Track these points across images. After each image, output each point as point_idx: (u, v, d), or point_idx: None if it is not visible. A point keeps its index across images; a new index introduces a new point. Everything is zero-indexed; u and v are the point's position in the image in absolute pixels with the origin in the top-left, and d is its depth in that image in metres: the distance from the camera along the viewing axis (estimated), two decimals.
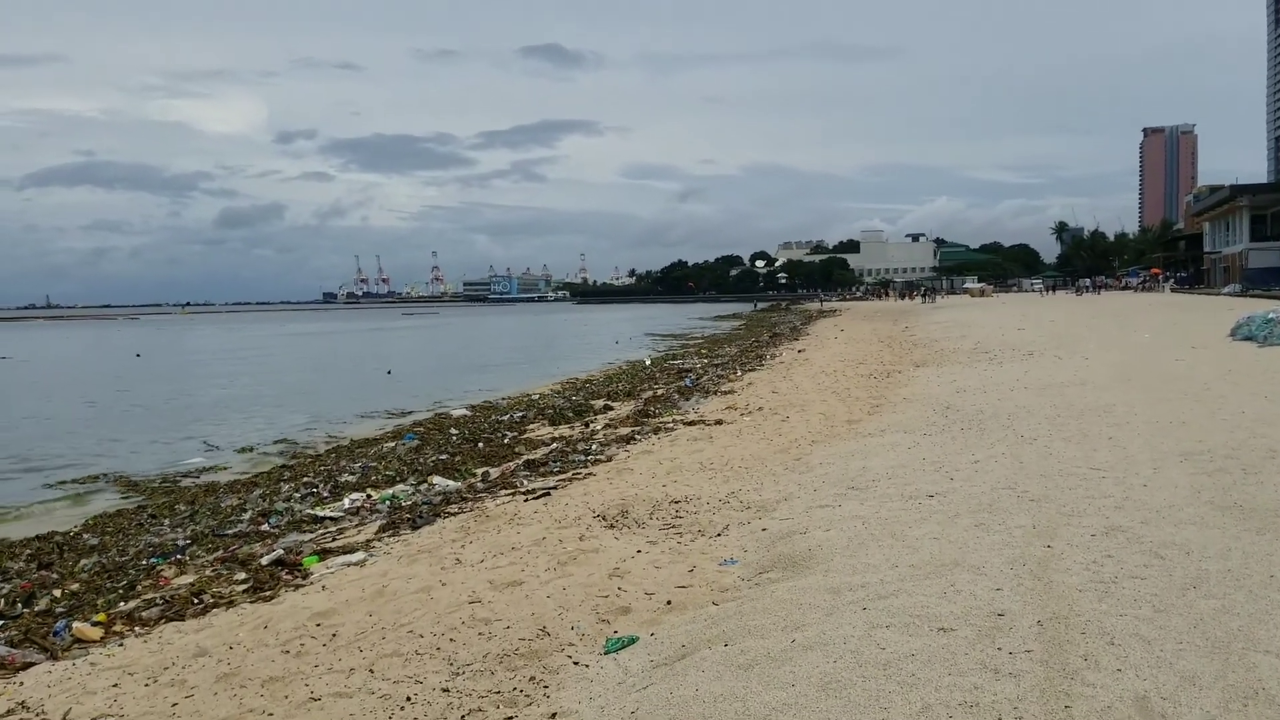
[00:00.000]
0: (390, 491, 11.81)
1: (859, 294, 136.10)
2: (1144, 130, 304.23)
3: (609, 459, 11.56)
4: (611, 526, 7.60)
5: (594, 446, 12.84)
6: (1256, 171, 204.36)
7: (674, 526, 7.41)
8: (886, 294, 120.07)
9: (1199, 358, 17.23)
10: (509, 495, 9.66)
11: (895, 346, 28.59)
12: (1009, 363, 19.23)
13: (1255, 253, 62.54)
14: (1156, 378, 14.35)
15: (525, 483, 10.36)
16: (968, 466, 8.40)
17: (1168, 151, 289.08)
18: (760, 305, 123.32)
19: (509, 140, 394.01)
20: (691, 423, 14.15)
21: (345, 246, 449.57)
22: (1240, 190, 67.85)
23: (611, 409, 19.51)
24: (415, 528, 8.36)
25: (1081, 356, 18.99)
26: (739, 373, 23.02)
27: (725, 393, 18.40)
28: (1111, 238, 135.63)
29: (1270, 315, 21.04)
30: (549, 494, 9.13)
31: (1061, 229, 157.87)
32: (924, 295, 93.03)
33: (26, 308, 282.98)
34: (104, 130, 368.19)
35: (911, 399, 14.37)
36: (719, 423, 13.81)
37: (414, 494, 11.56)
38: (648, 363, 33.44)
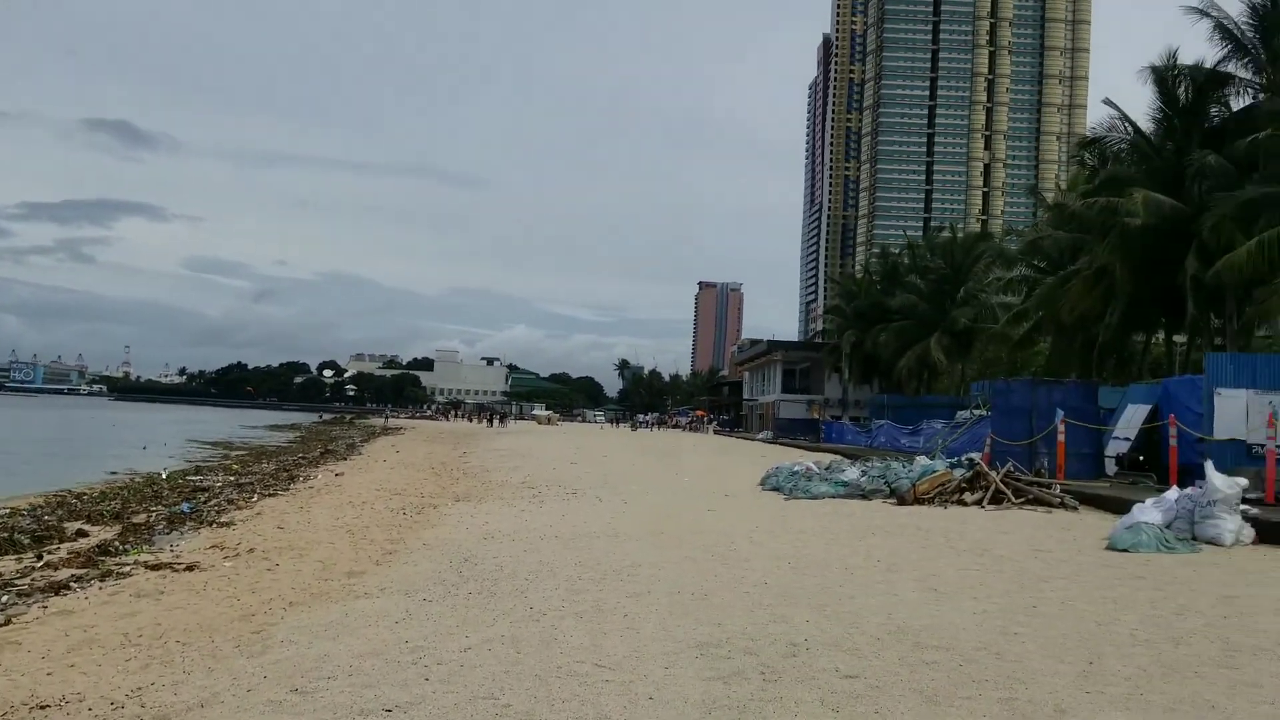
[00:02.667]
0: None
1: (429, 412, 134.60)
2: (699, 284, 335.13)
3: (6, 622, 8.61)
4: None
5: (3, 599, 9.74)
6: (792, 329, 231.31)
7: None
8: (456, 414, 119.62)
9: (730, 508, 17.12)
10: None
11: (445, 474, 27.02)
12: (551, 501, 18.20)
13: (785, 404, 68.97)
14: (688, 530, 13.74)
15: None
16: (455, 656, 6.69)
17: (719, 305, 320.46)
18: (325, 417, 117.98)
19: (57, 215, 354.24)
20: (157, 566, 11.38)
21: None
22: (775, 345, 75.20)
23: (86, 535, 15.97)
24: None
25: (621, 500, 18.37)
26: (255, 497, 20.14)
27: (224, 524, 15.61)
28: (667, 378, 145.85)
29: (796, 468, 21.92)
30: None
31: (624, 366, 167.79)
32: (490, 419, 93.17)
33: None
34: None
35: (432, 545, 12.64)
36: (191, 568, 11.19)
37: None
38: (164, 475, 29.19)
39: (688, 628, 7.43)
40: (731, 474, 27.11)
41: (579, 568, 10.39)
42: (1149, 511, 12.07)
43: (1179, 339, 38.10)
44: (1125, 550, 11.29)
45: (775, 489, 20.72)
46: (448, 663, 6.51)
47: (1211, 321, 33.74)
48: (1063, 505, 16.25)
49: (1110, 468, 23.46)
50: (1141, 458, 22.94)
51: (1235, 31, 31.05)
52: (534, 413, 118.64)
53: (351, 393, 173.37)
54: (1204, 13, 30.74)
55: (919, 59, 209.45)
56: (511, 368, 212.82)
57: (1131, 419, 24.44)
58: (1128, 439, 24.00)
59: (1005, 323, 47.28)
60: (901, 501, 17.16)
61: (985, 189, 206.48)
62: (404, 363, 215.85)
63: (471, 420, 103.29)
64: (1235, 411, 19.86)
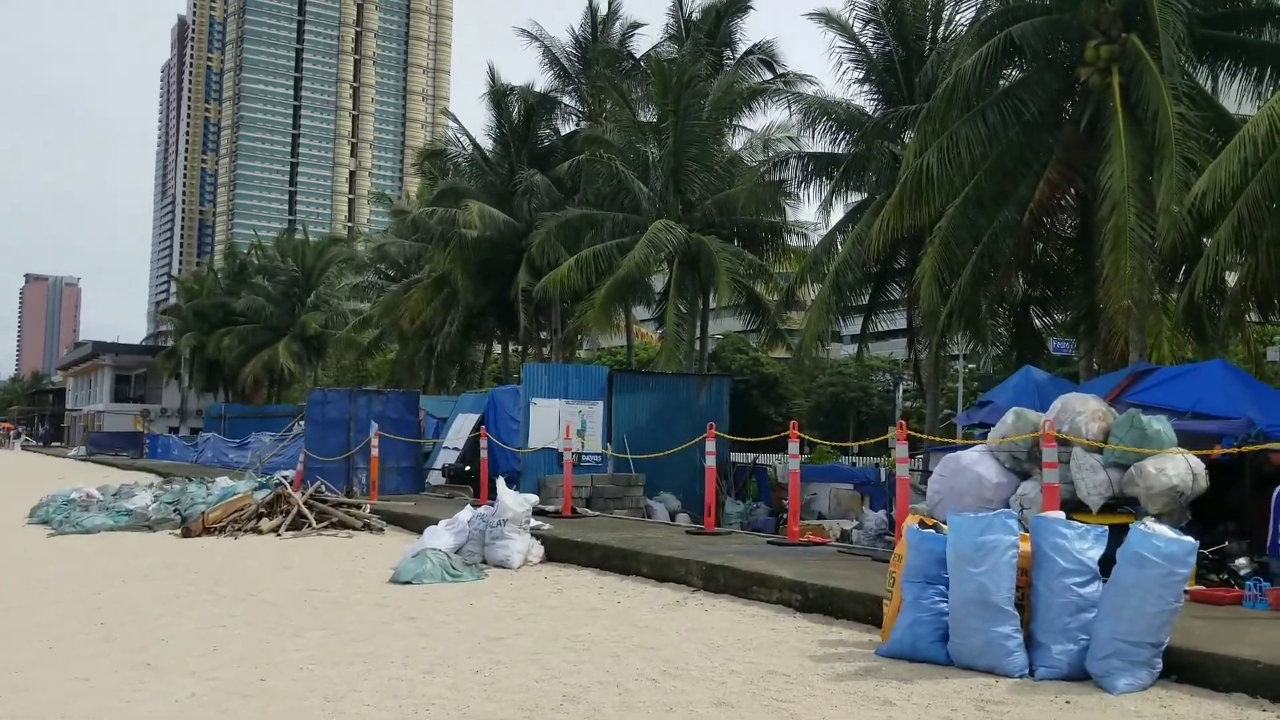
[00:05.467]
0: None
1: None
2: (26, 276, 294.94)
3: None
4: None
5: None
6: (143, 331, 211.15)
7: None
8: None
9: None
10: None
11: None
12: None
13: (111, 414, 61.46)
14: None
15: None
16: None
17: (50, 301, 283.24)
18: None
19: None
20: None
21: None
22: (102, 348, 66.82)
23: None
24: None
25: None
26: None
27: None
28: None
29: (72, 495, 18.38)
30: None
31: None
32: None
33: None
34: None
35: None
36: None
37: None
38: None
39: None
40: (5, 504, 22.38)
41: None
42: (440, 535, 11.04)
43: (515, 348, 39.94)
44: (409, 583, 10.07)
45: (45, 521, 17.13)
46: None
47: (542, 333, 35.65)
48: (368, 528, 14.94)
49: (438, 480, 23.04)
50: (468, 468, 22.78)
51: (563, 60, 33.04)
52: None
53: None
54: (534, 36, 32.28)
55: (282, 56, 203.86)
56: None
57: (461, 429, 24.33)
58: (457, 449, 23.82)
59: (352, 328, 46.38)
60: (188, 533, 14.66)
61: (351, 196, 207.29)
62: None
63: None
64: (550, 421, 20.35)
